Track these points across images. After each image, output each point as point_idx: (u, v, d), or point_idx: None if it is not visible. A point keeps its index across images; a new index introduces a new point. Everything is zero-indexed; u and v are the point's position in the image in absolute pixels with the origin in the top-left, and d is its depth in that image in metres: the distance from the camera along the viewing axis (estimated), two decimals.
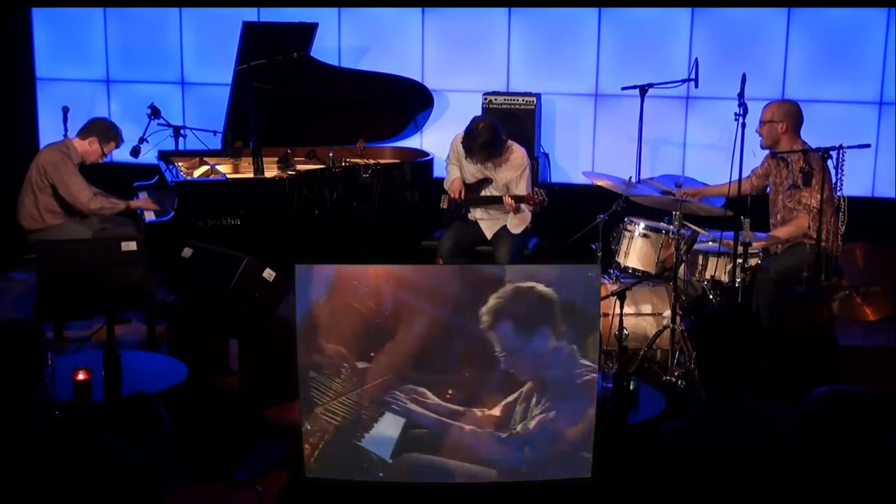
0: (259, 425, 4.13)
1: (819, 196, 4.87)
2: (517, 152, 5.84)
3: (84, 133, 6.06)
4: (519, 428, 3.23)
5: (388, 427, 3.23)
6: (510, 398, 3.22)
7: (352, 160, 6.39)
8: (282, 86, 6.37)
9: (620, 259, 5.40)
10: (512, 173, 5.80)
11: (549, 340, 3.20)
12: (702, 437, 2.71)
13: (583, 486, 3.28)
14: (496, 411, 3.23)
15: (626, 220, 5.46)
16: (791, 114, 5.25)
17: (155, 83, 7.30)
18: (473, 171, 5.89)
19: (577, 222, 5.55)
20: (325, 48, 6.73)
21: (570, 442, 3.24)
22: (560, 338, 3.20)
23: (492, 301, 3.18)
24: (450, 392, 3.22)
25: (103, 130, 6.07)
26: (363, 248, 6.36)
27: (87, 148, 6.00)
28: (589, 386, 3.23)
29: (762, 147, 5.34)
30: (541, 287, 3.19)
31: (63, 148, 5.95)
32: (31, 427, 2.64)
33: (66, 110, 6.68)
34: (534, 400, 3.22)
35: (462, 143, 5.77)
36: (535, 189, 5.77)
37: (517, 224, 5.84)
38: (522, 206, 5.76)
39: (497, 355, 3.21)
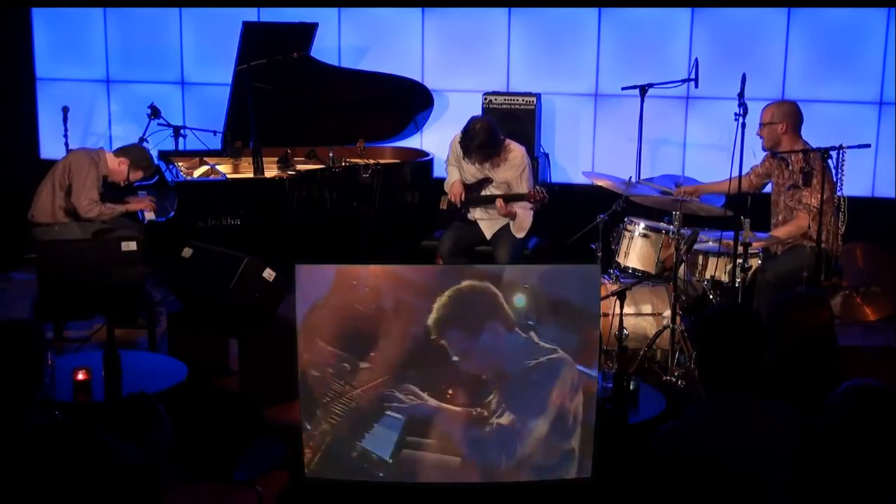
0: (259, 425, 4.13)
1: (819, 196, 4.87)
2: (516, 151, 5.83)
3: (120, 152, 6.04)
4: (502, 420, 3.22)
5: (388, 427, 3.23)
6: (488, 398, 3.22)
7: (352, 160, 6.39)
8: (282, 86, 6.37)
9: (620, 259, 5.40)
10: (512, 172, 5.79)
11: (499, 334, 3.18)
12: (702, 437, 2.71)
13: (583, 486, 3.28)
14: (486, 411, 3.23)
15: (626, 220, 5.46)
16: (790, 114, 5.25)
17: (155, 83, 7.30)
18: (473, 172, 5.89)
19: (577, 222, 5.54)
20: (325, 48, 6.73)
21: (549, 432, 3.23)
22: (511, 329, 3.18)
23: (434, 313, 3.17)
24: (449, 392, 3.22)
25: (137, 158, 6.03)
26: (363, 248, 6.36)
27: (116, 167, 5.97)
28: (548, 368, 3.18)
29: (763, 149, 5.34)
30: (478, 283, 3.17)
31: (94, 156, 5.90)
32: (31, 427, 2.64)
33: (66, 110, 6.68)
34: (502, 397, 3.21)
35: (459, 143, 5.76)
36: (537, 187, 5.77)
37: (519, 229, 5.82)
38: (524, 205, 5.75)
39: (456, 359, 3.20)
